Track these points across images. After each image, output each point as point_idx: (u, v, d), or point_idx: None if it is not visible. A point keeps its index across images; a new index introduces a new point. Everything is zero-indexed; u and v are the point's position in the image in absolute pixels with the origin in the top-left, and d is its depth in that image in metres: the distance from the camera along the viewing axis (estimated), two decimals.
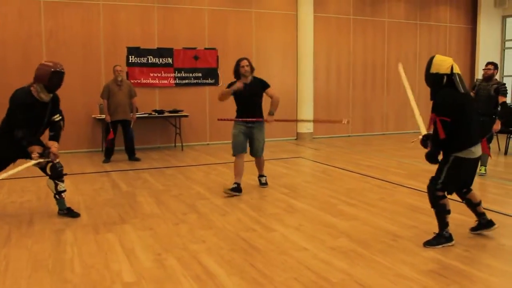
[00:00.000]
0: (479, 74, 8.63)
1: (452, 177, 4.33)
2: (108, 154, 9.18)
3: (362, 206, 5.82)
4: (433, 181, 4.40)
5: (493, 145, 7.87)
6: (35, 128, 5.22)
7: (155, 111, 10.66)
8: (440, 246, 4.34)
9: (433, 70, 4.35)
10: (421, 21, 14.20)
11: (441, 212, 4.37)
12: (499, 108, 7.40)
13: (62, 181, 5.35)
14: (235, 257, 4.12)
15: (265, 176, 7.03)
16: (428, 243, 4.37)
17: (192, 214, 5.49)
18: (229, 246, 4.39)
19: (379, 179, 7.43)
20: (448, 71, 4.31)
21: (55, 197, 5.39)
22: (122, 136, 9.31)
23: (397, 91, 13.87)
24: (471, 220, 5.16)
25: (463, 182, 4.51)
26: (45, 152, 5.18)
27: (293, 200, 6.16)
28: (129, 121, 9.22)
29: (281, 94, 12.29)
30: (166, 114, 10.69)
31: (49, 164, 5.26)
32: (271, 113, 6.60)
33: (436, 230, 4.45)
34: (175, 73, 11.18)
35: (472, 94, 7.79)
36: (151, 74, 10.97)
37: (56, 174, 5.30)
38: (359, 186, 6.95)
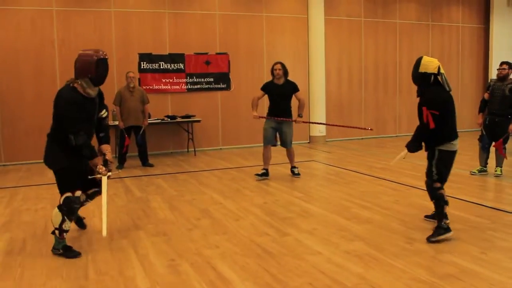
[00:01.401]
0: (493, 74, 8.54)
1: (442, 167, 4.71)
2: (121, 160, 9.22)
3: (376, 209, 5.78)
4: (429, 176, 4.77)
5: (509, 145, 7.76)
6: (88, 130, 4.54)
7: (168, 116, 10.69)
8: (441, 237, 4.54)
9: (422, 69, 4.73)
10: (433, 21, 14.09)
11: (441, 202, 4.69)
12: None
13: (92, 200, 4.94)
14: (249, 262, 4.10)
15: (297, 168, 7.99)
16: (431, 237, 4.57)
17: (205, 219, 5.49)
18: (242, 251, 4.38)
19: (393, 181, 7.37)
20: (436, 71, 4.70)
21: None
22: (135, 142, 9.36)
23: (409, 92, 13.74)
24: (486, 222, 5.12)
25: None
26: (105, 161, 4.63)
27: (307, 204, 6.13)
28: (142, 127, 9.26)
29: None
30: (179, 119, 10.72)
31: (96, 189, 4.73)
32: (300, 115, 7.62)
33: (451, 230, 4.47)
34: (187, 78, 11.21)
35: (486, 94, 7.72)
36: (163, 80, 11.01)
37: (94, 197, 4.88)
38: (373, 189, 6.90)
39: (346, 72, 13.05)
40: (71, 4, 10.21)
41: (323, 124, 9.81)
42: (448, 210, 5.27)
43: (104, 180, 4.45)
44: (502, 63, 7.60)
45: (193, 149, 10.95)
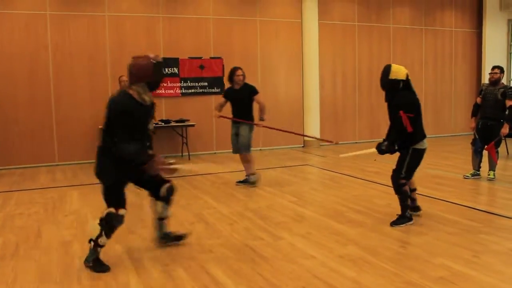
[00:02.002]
0: (486, 78, 8.61)
1: (412, 166, 5.22)
2: None
3: (369, 212, 5.79)
4: (396, 172, 5.26)
5: (501, 149, 7.81)
6: (142, 139, 4.29)
7: (162, 121, 10.69)
8: (403, 225, 5.16)
9: (392, 76, 5.08)
10: (426, 26, 14.17)
11: (404, 196, 5.24)
12: (506, 112, 7.34)
13: (170, 205, 4.67)
14: (243, 266, 4.10)
15: (254, 174, 7.63)
16: (394, 223, 5.19)
17: (199, 224, 5.48)
18: (236, 256, 4.38)
19: (386, 185, 7.37)
20: (404, 77, 5.08)
21: (159, 221, 4.69)
22: None
23: None
24: (479, 225, 5.16)
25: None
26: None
27: (301, 208, 6.14)
28: None
29: (287, 102, 12.43)
30: (173, 123, 10.72)
31: (167, 185, 4.59)
32: (261, 119, 7.43)
33: (444, 235, 4.58)
34: (181, 82, 11.22)
35: (479, 98, 7.77)
36: None
37: (170, 197, 4.63)
38: (366, 193, 6.92)
39: (340, 76, 13.09)
40: (65, 8, 10.21)
41: (288, 132, 9.08)
42: (441, 213, 5.32)
43: (180, 167, 4.35)
44: (493, 68, 7.66)
45: (187, 154, 10.94)
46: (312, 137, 9.35)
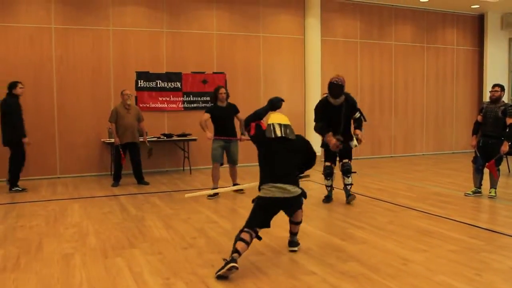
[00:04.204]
0: (487, 96, 8.65)
1: None
2: (116, 178, 9.21)
3: (371, 229, 5.78)
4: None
5: (503, 167, 7.82)
6: None
7: (164, 134, 10.72)
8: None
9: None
10: (428, 43, 14.27)
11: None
12: (507, 130, 7.36)
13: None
14: (244, 281, 4.10)
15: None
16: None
17: (201, 238, 5.48)
18: (238, 271, 4.36)
19: (388, 202, 7.39)
20: None
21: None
22: (130, 160, 9.35)
23: (405, 114, 13.88)
24: (481, 243, 5.14)
25: None
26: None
27: (302, 224, 6.09)
28: (138, 145, 9.27)
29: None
30: (175, 138, 10.75)
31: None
32: (243, 133, 7.82)
33: (445, 252, 4.46)
34: (183, 97, 11.27)
35: (479, 116, 7.79)
36: (160, 98, 11.07)
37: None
38: (368, 209, 6.92)
39: None
40: (69, 22, 10.31)
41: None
42: (443, 231, 5.29)
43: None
44: (494, 86, 7.69)
45: (189, 168, 10.96)
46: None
